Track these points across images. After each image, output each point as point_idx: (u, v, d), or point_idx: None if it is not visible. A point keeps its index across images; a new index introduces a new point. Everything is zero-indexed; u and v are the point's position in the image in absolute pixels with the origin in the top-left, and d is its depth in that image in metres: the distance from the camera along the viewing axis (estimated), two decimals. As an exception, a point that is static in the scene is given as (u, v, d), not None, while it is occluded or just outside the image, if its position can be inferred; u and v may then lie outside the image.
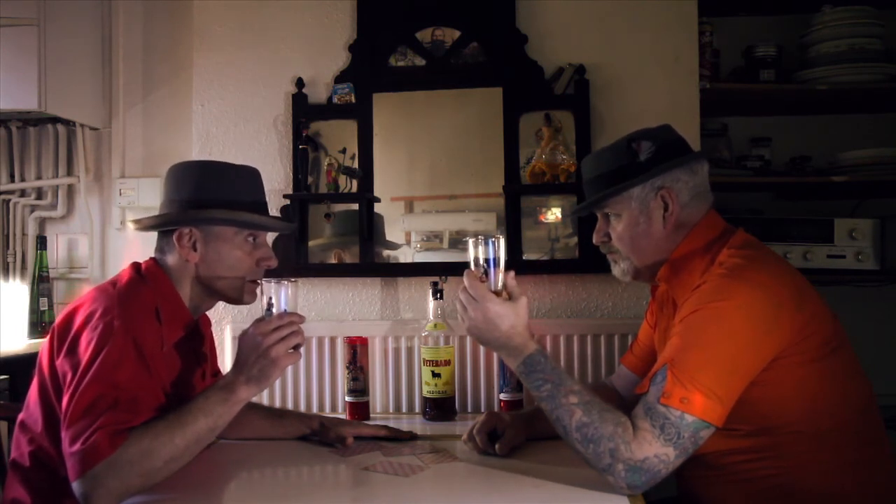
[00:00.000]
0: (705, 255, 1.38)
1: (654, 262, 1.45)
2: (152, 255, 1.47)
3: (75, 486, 1.15)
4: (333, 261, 2.22)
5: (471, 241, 1.36)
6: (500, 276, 1.34)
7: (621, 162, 1.43)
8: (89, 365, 1.22)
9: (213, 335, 2.17)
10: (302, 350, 1.34)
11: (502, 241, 1.35)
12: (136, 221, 1.48)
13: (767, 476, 1.29)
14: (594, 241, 1.52)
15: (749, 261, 1.31)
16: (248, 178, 1.49)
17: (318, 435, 1.61)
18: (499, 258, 1.34)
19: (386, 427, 1.65)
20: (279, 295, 1.33)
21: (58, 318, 1.35)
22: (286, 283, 1.34)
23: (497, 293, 1.33)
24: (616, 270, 1.51)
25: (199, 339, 1.51)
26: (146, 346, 1.28)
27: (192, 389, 1.44)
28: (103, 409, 1.18)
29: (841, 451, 1.29)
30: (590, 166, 1.50)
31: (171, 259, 1.44)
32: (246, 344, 1.30)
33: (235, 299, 1.48)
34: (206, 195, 1.41)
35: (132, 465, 1.16)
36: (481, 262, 1.34)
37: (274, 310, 1.33)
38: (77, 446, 1.15)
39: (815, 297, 1.34)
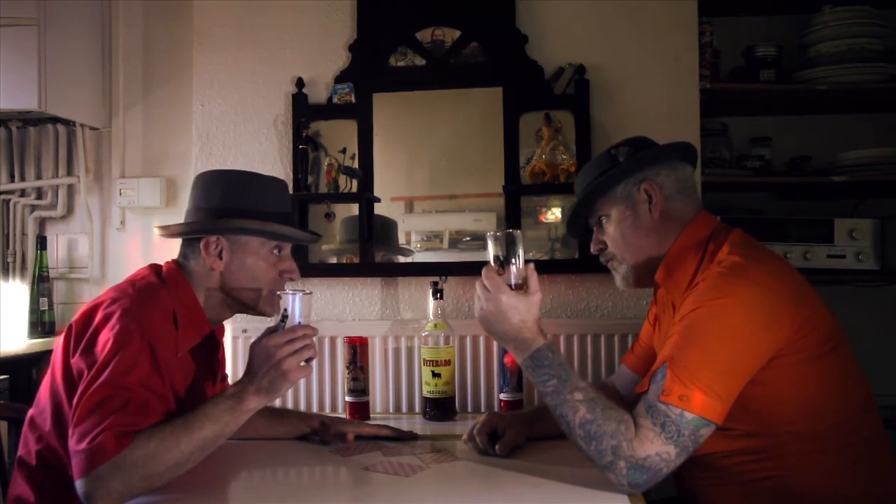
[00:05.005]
0: (697, 253, 1.40)
1: (648, 260, 1.46)
2: (175, 258, 1.47)
3: (78, 484, 1.15)
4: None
5: (489, 236, 1.37)
6: (520, 270, 1.34)
7: (603, 168, 1.49)
8: (104, 365, 1.22)
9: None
10: (314, 363, 1.34)
11: (520, 236, 1.35)
12: (164, 228, 1.47)
13: (766, 477, 1.29)
14: (592, 250, 1.55)
15: (748, 259, 1.32)
16: (276, 189, 1.50)
17: (319, 434, 1.62)
18: (517, 253, 1.35)
19: (387, 427, 1.65)
20: (294, 305, 1.33)
21: (76, 316, 1.35)
22: (301, 294, 1.34)
23: (518, 287, 1.33)
24: (617, 279, 1.54)
25: (213, 347, 1.52)
26: (161, 351, 1.28)
27: (203, 396, 1.44)
28: (112, 410, 1.18)
29: (840, 451, 1.29)
30: (578, 182, 1.56)
31: (194, 265, 1.44)
32: (258, 354, 1.30)
33: (255, 310, 1.49)
34: (235, 204, 1.42)
35: (136, 468, 1.16)
36: (501, 257, 1.35)
37: (288, 321, 1.32)
38: (83, 445, 1.16)
39: (814, 296, 1.35)
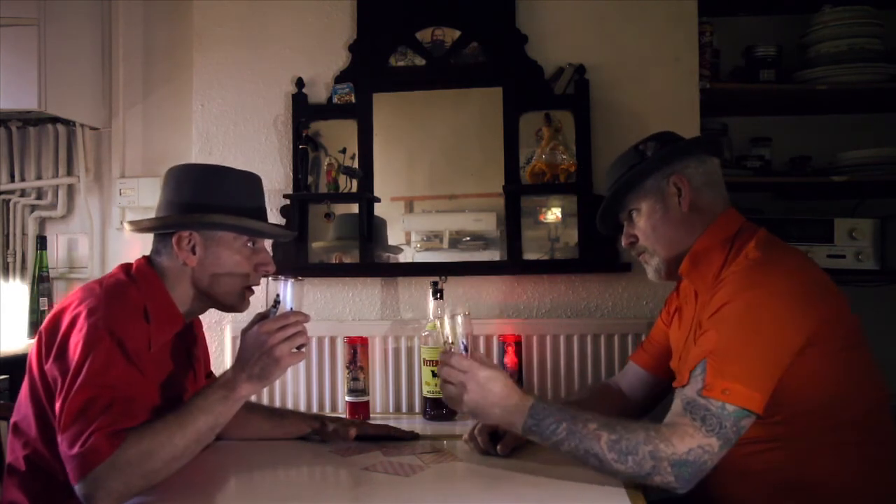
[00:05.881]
0: (724, 248, 1.41)
1: (680, 253, 1.47)
2: (144, 255, 1.46)
3: (77, 488, 1.15)
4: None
5: (447, 319, 1.40)
6: (471, 351, 1.39)
7: (631, 163, 1.50)
8: (79, 368, 1.21)
9: (213, 335, 2.18)
10: (305, 350, 1.33)
11: (468, 318, 1.41)
12: (134, 223, 1.46)
13: (779, 468, 1.30)
14: (623, 244, 1.56)
15: (775, 253, 1.35)
16: (249, 183, 1.48)
17: (320, 434, 1.61)
18: (470, 332, 1.41)
19: (388, 426, 1.65)
20: (285, 293, 1.32)
21: (45, 321, 1.34)
22: (293, 280, 1.33)
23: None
24: (649, 272, 1.55)
25: (191, 341, 1.50)
26: (131, 346, 1.26)
27: (183, 391, 1.43)
28: (99, 411, 1.17)
29: (853, 446, 1.30)
30: (607, 179, 1.57)
31: (166, 261, 1.42)
32: (249, 341, 1.29)
33: (230, 305, 1.46)
34: (207, 199, 1.40)
35: (132, 467, 1.16)
36: (460, 339, 1.39)
37: (279, 308, 1.32)
38: (76, 449, 1.15)
39: (838, 292, 1.37)
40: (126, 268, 1.42)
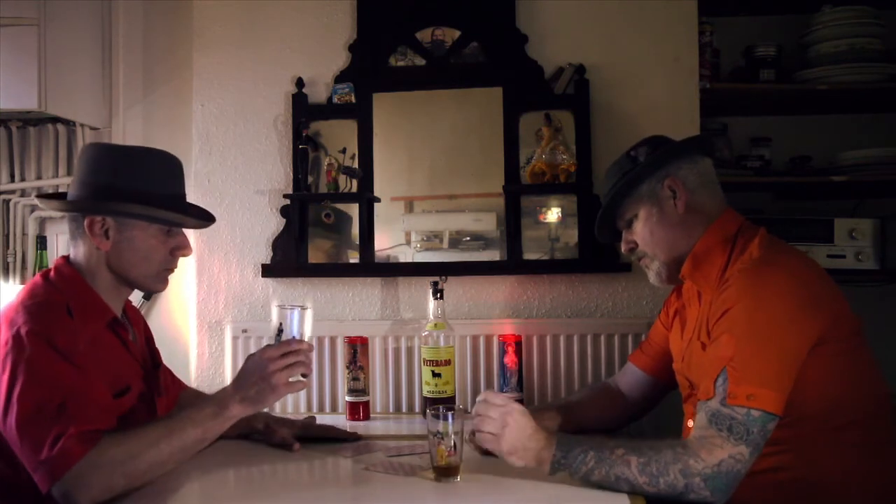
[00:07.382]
0: (725, 248, 1.41)
1: (680, 255, 1.47)
2: (63, 255, 1.44)
3: (55, 490, 1.14)
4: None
5: (430, 414, 1.38)
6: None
7: (625, 169, 1.50)
8: (14, 377, 1.19)
9: (213, 335, 2.17)
10: (307, 379, 1.34)
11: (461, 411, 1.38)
12: (46, 201, 1.43)
13: (783, 469, 1.29)
14: (623, 250, 1.57)
15: (779, 252, 1.36)
16: (167, 167, 1.44)
17: (264, 435, 1.59)
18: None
19: (332, 427, 1.66)
20: (289, 321, 1.34)
21: None
22: (297, 308, 1.35)
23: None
24: (651, 276, 1.55)
25: (134, 330, 1.49)
26: (62, 344, 1.24)
27: (128, 384, 1.40)
28: (54, 413, 1.16)
29: (856, 447, 1.30)
30: (603, 187, 1.57)
31: (82, 248, 1.40)
32: (250, 364, 1.31)
33: (148, 288, 1.46)
34: (121, 184, 1.37)
35: (115, 466, 1.16)
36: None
37: (283, 335, 1.33)
38: (44, 454, 1.14)
39: (840, 292, 1.37)
40: (45, 273, 1.40)
